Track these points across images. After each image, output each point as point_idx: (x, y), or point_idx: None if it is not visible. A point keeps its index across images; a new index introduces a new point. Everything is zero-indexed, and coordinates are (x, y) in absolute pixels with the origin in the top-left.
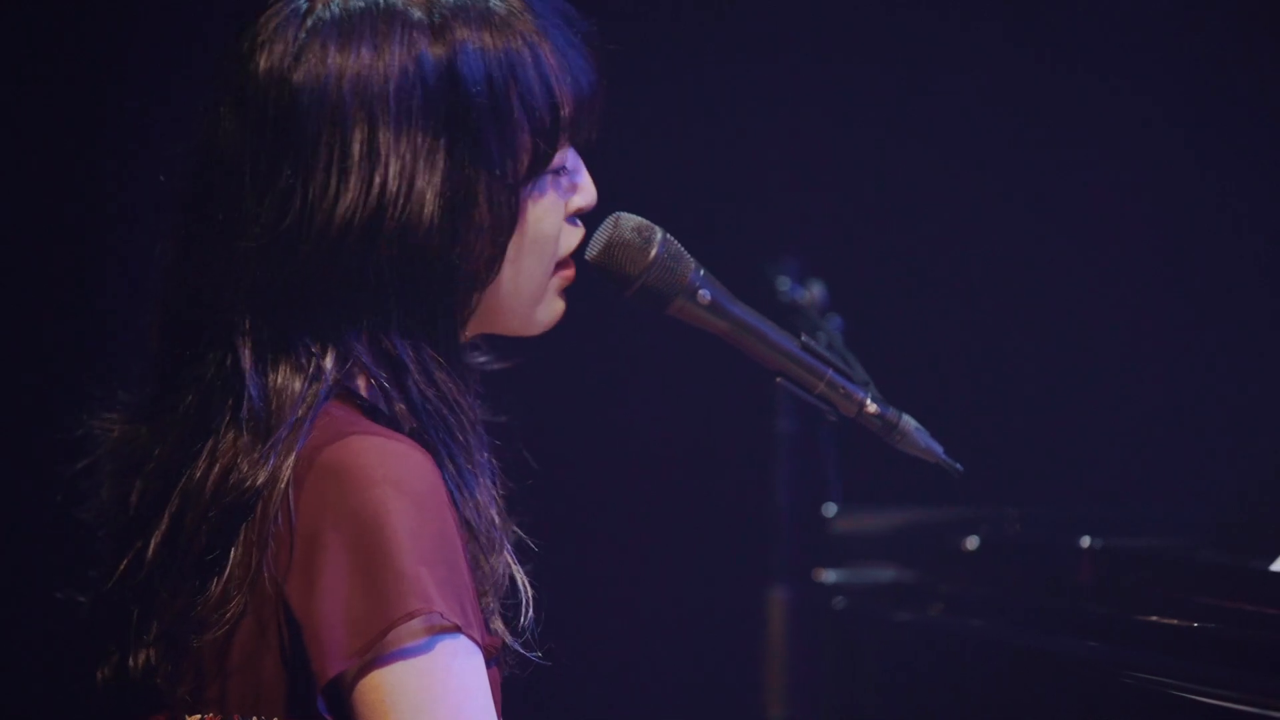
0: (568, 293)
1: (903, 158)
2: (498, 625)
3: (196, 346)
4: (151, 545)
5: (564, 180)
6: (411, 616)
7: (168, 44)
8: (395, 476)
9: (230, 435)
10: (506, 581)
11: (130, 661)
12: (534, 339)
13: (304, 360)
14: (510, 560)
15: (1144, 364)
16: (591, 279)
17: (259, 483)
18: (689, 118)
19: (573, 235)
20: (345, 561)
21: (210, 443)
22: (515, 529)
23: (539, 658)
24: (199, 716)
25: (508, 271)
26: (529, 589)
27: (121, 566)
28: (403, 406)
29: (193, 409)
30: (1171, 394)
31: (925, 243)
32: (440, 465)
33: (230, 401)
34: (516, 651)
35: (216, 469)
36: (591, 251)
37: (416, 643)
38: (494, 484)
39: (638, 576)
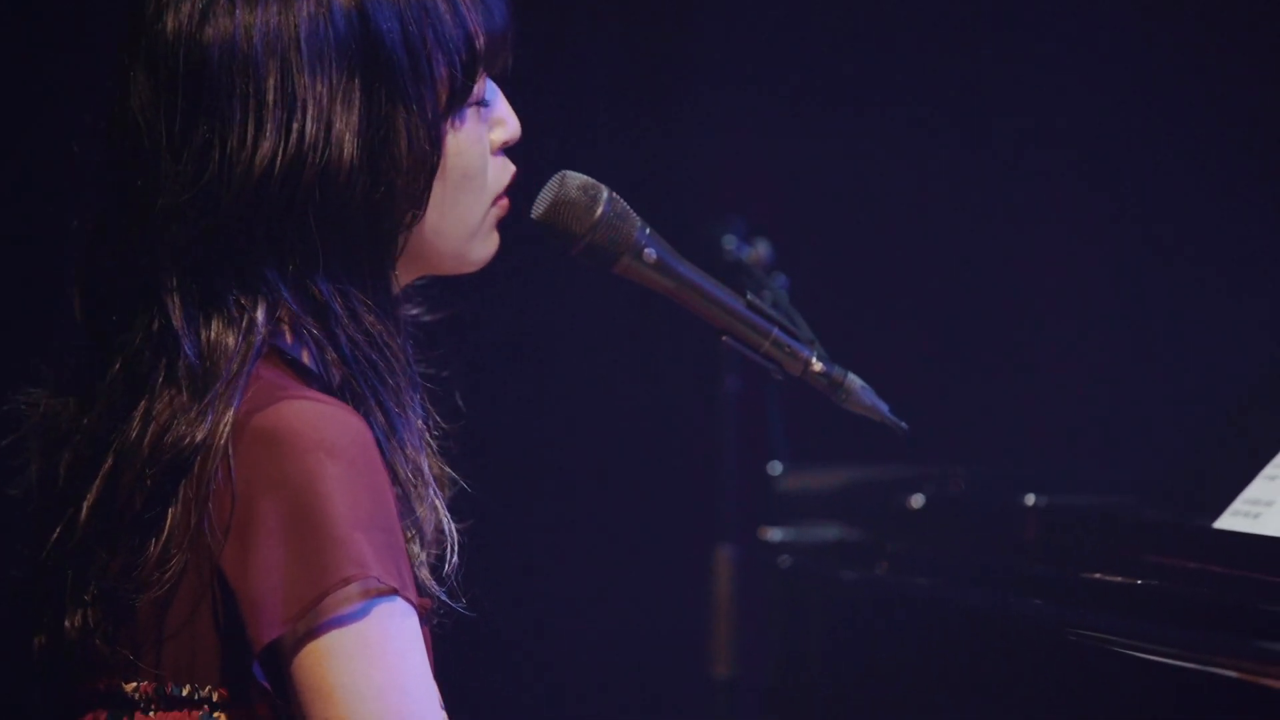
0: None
1: (849, 116)
2: (424, 574)
3: (123, 312)
4: (85, 508)
5: (486, 114)
6: (347, 582)
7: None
8: (328, 441)
9: (165, 395)
10: (433, 529)
11: (66, 623)
12: (480, 295)
13: (235, 313)
14: (439, 506)
15: (1088, 323)
16: (536, 238)
17: (197, 440)
18: (634, 75)
19: (503, 171)
20: (279, 528)
21: (144, 404)
22: (449, 470)
23: (464, 608)
24: (135, 684)
25: (436, 211)
26: (455, 535)
27: (55, 535)
28: (332, 354)
29: (121, 375)
30: (1114, 352)
31: (870, 202)
32: (369, 412)
33: (163, 361)
34: (443, 601)
35: (152, 428)
36: (537, 210)
37: (352, 608)
38: (426, 428)
39: (583, 535)
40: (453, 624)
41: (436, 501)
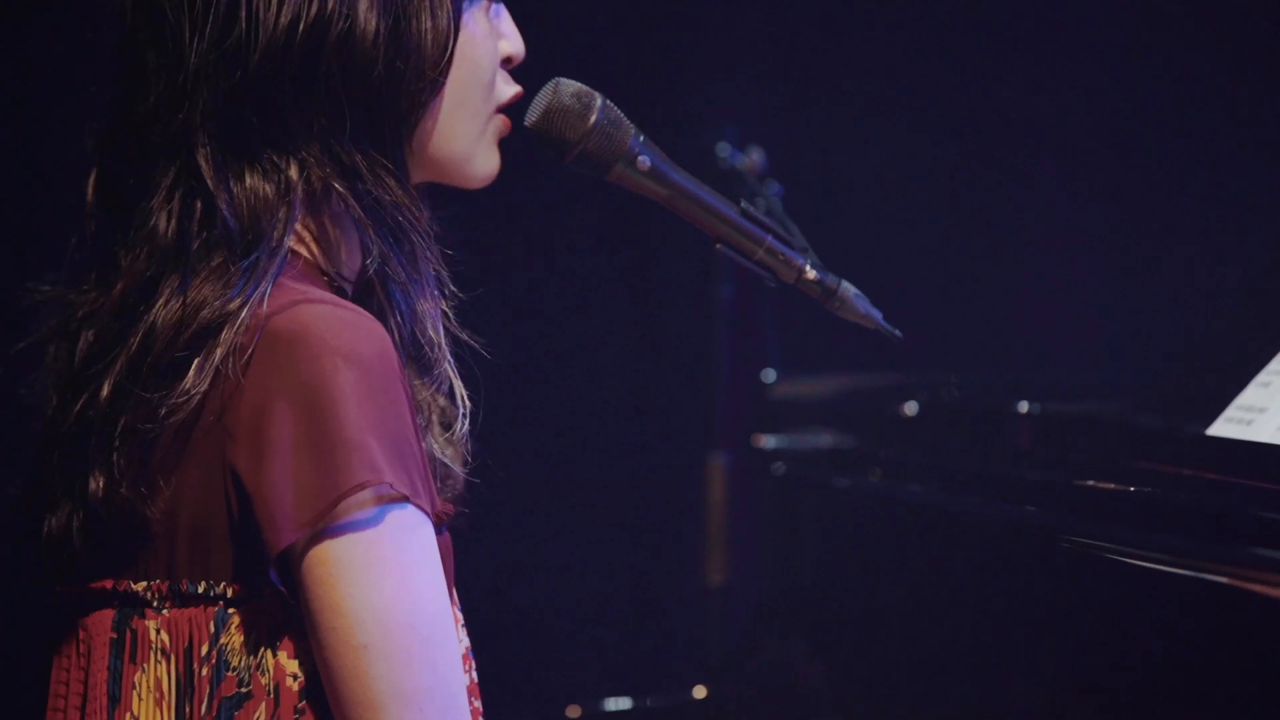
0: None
1: (841, 24)
2: (428, 441)
3: (146, 184)
4: (109, 379)
5: (495, 22)
6: (361, 488)
7: None
8: (346, 346)
9: (207, 259)
10: (445, 395)
11: (92, 484)
12: (477, 201)
13: (269, 169)
14: (450, 373)
15: (1081, 230)
16: (531, 147)
17: (230, 309)
18: None
19: (507, 85)
20: (294, 432)
21: (176, 276)
22: (462, 334)
23: (468, 488)
24: (146, 583)
25: (449, 99)
26: (467, 402)
27: (75, 409)
28: (357, 208)
29: (144, 250)
30: (1109, 259)
31: (864, 109)
32: (387, 267)
33: (199, 226)
34: (455, 502)
35: (189, 297)
36: (531, 117)
37: (365, 514)
38: (441, 295)
39: (577, 443)
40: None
41: (450, 371)
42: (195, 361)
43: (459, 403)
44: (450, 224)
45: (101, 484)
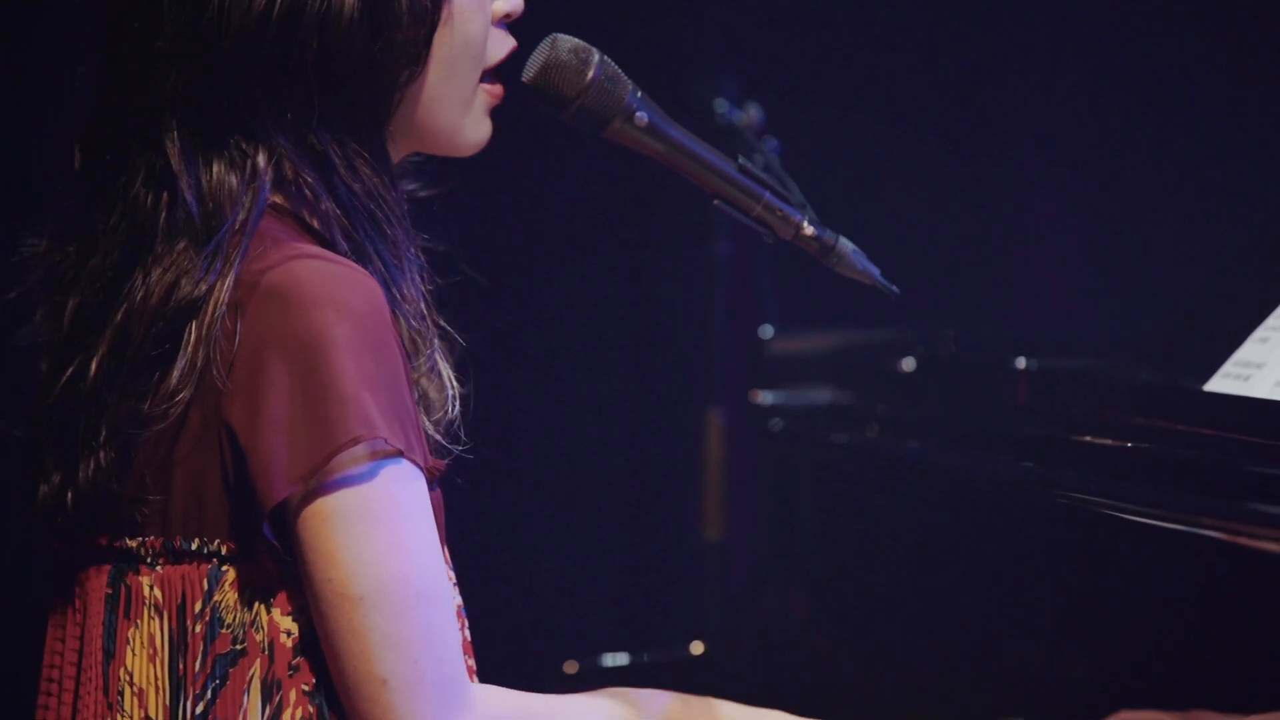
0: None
1: None
2: (427, 422)
3: (122, 158)
4: (95, 359)
5: None
6: (355, 442)
7: None
8: (339, 300)
9: (171, 244)
10: (435, 379)
11: (80, 472)
12: (473, 162)
13: (236, 158)
14: (438, 356)
15: (1078, 185)
16: (528, 104)
17: (203, 291)
18: None
19: (501, 43)
20: (288, 386)
21: (149, 253)
22: (444, 324)
23: (463, 447)
24: (140, 539)
25: (434, 74)
26: (455, 384)
27: (62, 380)
28: (330, 205)
29: (123, 222)
30: (1106, 214)
31: (862, 65)
32: (367, 261)
33: (166, 207)
34: (445, 448)
35: (161, 281)
36: (528, 73)
37: (359, 469)
38: (422, 279)
39: (575, 397)
40: (452, 483)
41: (437, 356)
42: (178, 363)
43: (448, 384)
44: (444, 181)
45: (90, 473)
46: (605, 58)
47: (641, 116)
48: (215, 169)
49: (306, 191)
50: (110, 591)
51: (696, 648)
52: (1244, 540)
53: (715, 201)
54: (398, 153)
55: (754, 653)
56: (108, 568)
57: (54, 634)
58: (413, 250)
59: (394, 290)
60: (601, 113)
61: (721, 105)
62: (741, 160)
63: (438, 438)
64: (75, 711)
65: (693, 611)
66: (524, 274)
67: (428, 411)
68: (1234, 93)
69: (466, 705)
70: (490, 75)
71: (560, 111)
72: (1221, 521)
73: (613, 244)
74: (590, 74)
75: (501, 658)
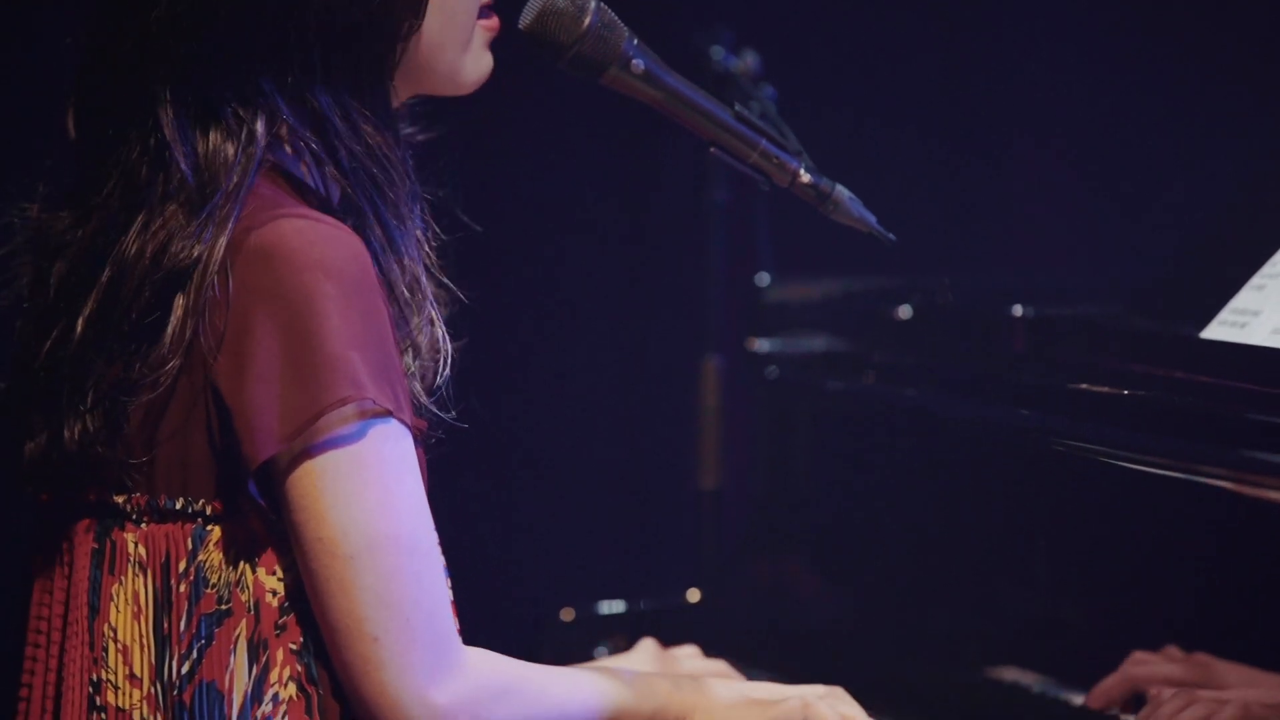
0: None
1: None
2: (416, 386)
3: (119, 127)
4: (81, 320)
5: None
6: (344, 402)
7: None
8: (326, 260)
9: (163, 208)
10: (429, 344)
11: (66, 433)
12: (471, 109)
13: (233, 125)
14: (434, 317)
15: (1076, 131)
16: (525, 49)
17: (194, 255)
18: None
19: None
20: (275, 346)
21: (142, 218)
22: (447, 282)
23: (455, 420)
24: (126, 496)
25: (433, 21)
26: (450, 348)
27: (48, 344)
28: (331, 168)
29: (118, 190)
30: (1102, 161)
31: (859, 11)
32: (367, 226)
33: (161, 175)
34: (437, 418)
35: (152, 242)
36: (524, 20)
37: (348, 429)
38: (425, 239)
39: (571, 346)
40: (446, 442)
41: (433, 314)
42: (168, 329)
43: (441, 342)
44: (437, 124)
45: (76, 435)
46: (602, 4)
47: (638, 64)
48: (212, 137)
49: (307, 155)
50: (96, 546)
51: (693, 595)
52: (1241, 488)
53: (712, 149)
54: (398, 99)
55: (750, 600)
56: (95, 522)
57: (42, 586)
58: (417, 208)
59: (391, 251)
60: (598, 60)
61: (718, 53)
62: (738, 108)
63: (428, 404)
64: (61, 665)
65: (689, 559)
66: (519, 223)
67: (420, 368)
68: (1236, 38)
69: (458, 664)
70: (485, 9)
71: (557, 59)
72: (1219, 469)
73: (609, 192)
74: (587, 21)
75: (499, 606)
